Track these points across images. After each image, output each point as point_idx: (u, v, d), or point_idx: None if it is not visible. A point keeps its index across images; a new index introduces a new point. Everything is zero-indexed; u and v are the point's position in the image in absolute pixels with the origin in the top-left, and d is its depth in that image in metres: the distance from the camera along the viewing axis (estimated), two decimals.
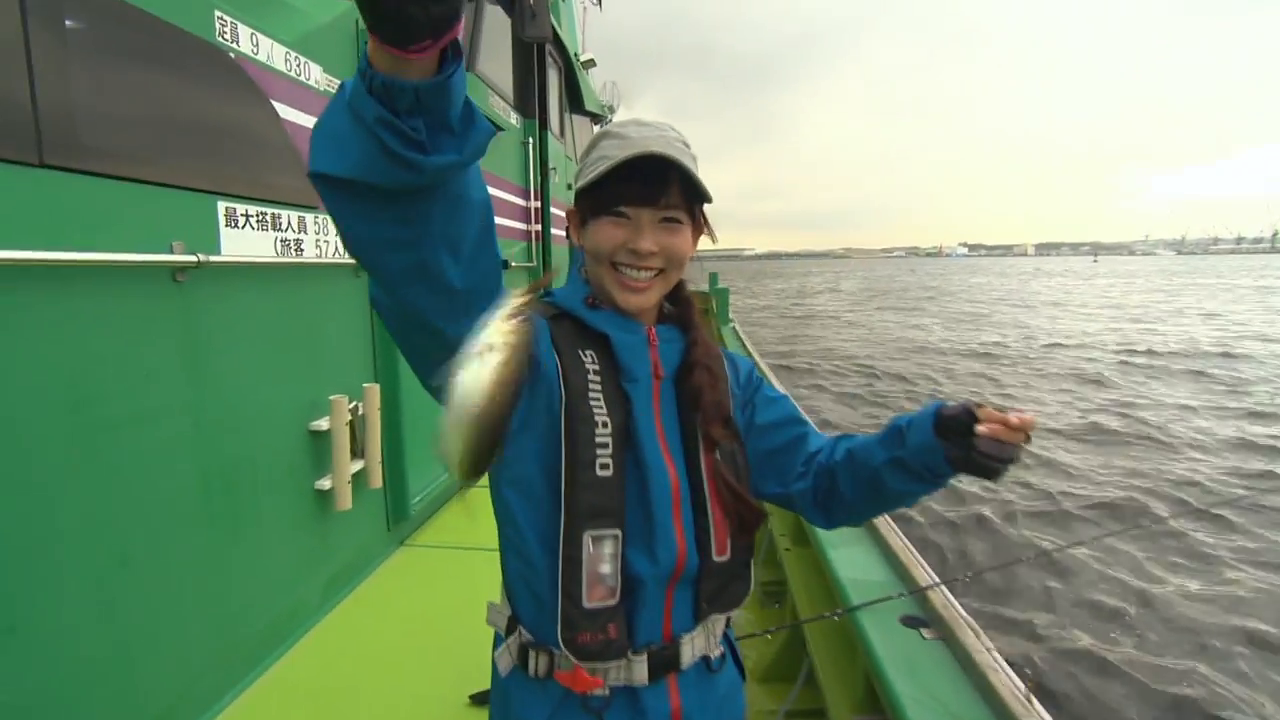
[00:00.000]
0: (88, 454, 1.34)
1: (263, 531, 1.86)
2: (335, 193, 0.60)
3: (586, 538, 0.81)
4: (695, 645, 0.90)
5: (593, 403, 0.84)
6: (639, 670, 0.85)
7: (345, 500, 2.12)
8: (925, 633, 1.59)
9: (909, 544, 2.04)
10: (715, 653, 0.93)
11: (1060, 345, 15.59)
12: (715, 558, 0.88)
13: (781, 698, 2.16)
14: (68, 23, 1.27)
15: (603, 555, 0.81)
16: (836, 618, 1.74)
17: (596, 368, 0.87)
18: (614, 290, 0.89)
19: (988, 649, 1.42)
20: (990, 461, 0.79)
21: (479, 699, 1.75)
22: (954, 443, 0.83)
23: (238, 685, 1.76)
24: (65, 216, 1.28)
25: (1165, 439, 7.64)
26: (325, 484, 2.09)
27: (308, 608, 2.07)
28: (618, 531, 0.83)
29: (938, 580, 1.75)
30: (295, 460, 2.00)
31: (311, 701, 1.77)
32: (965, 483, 6.03)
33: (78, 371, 1.32)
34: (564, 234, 5.25)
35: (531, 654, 0.87)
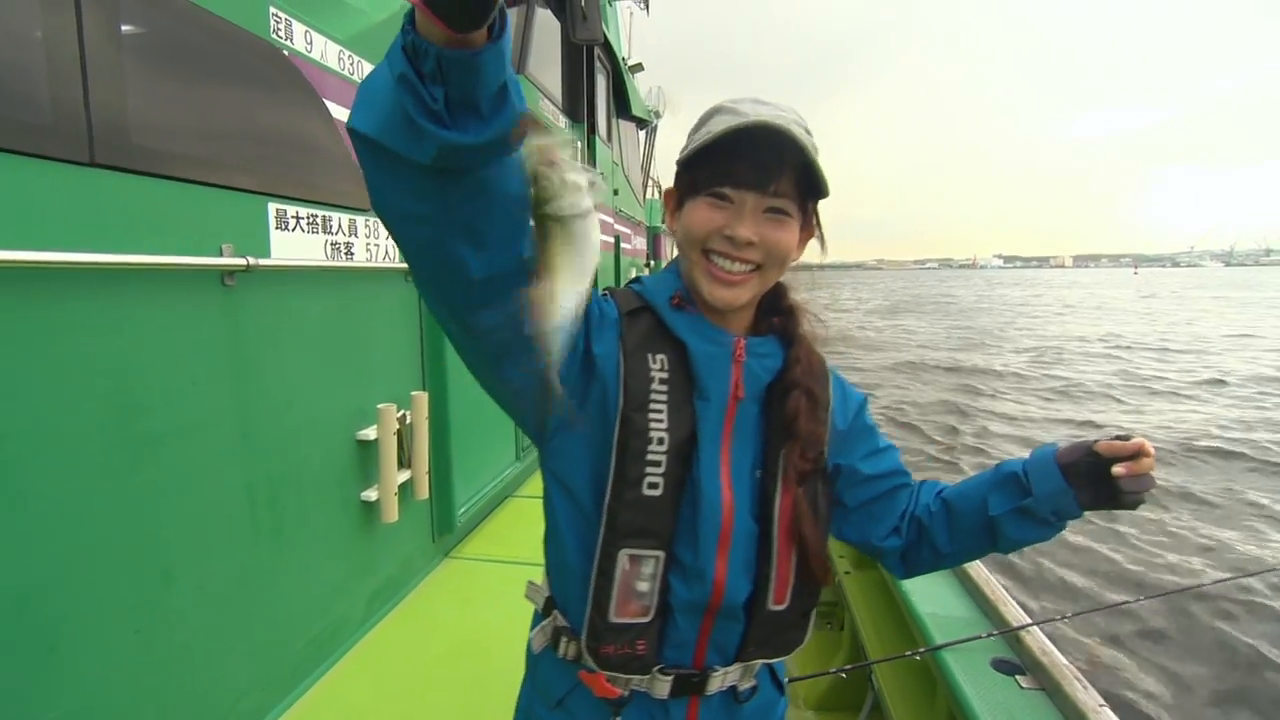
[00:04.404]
0: (132, 465, 1.29)
1: (308, 545, 1.80)
2: (364, 150, 0.58)
3: (623, 555, 0.78)
4: (727, 678, 0.85)
5: (651, 415, 0.78)
6: (660, 687, 0.82)
7: (392, 512, 2.05)
8: (1022, 681, 1.43)
9: (992, 576, 1.87)
10: (746, 685, 0.88)
11: None
12: (771, 606, 0.83)
13: None
14: (121, 17, 1.22)
15: (640, 574, 0.78)
16: (918, 658, 1.59)
17: (665, 375, 0.80)
18: (702, 281, 0.79)
19: (1100, 706, 1.25)
20: (1136, 496, 0.79)
21: None
22: (1082, 484, 0.81)
23: (279, 704, 1.69)
24: (115, 217, 1.23)
25: None
26: (371, 495, 2.02)
27: (351, 624, 2.00)
28: (660, 553, 0.79)
29: (1031, 620, 1.58)
30: (342, 471, 1.94)
31: None
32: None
33: (123, 379, 1.26)
34: (611, 240, 5.17)
35: (563, 639, 0.86)
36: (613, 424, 0.78)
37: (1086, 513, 0.84)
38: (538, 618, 0.92)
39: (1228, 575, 4.07)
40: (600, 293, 0.85)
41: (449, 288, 0.65)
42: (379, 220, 0.63)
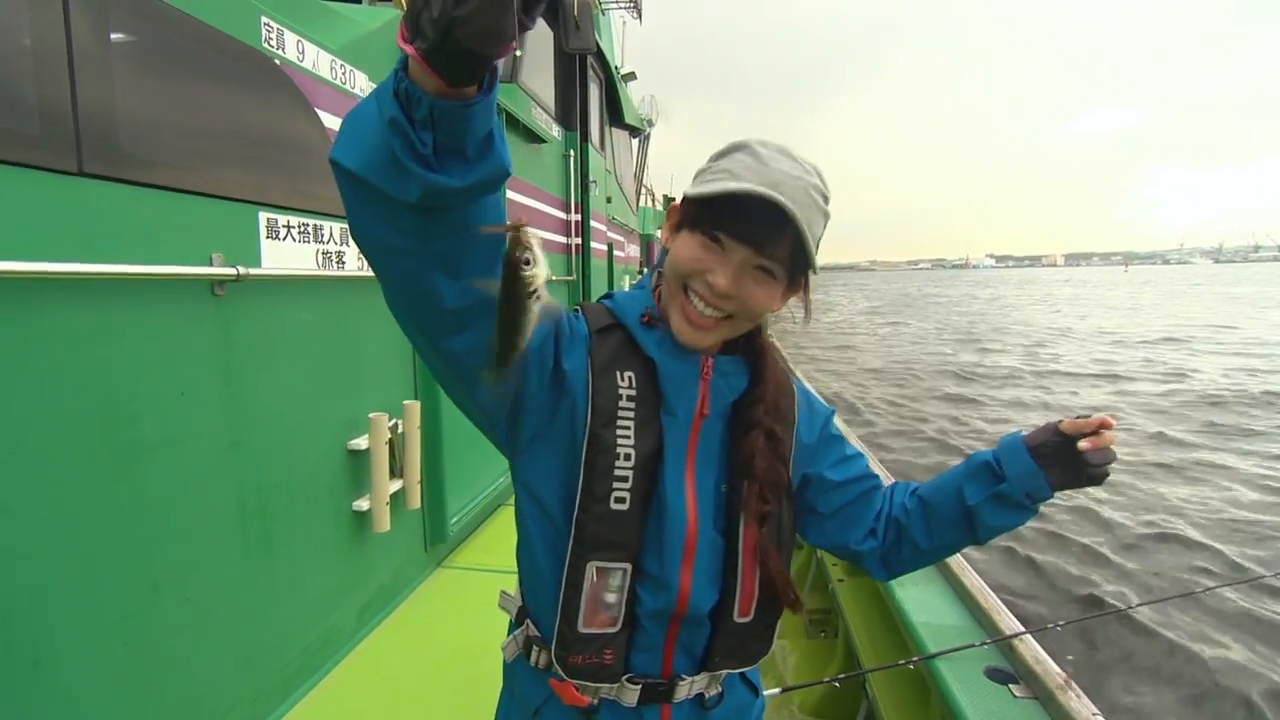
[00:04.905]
0: (120, 476, 1.28)
1: (299, 555, 1.78)
2: (347, 184, 0.60)
3: (591, 568, 0.79)
4: (694, 686, 0.87)
5: (619, 431, 0.80)
6: (629, 695, 0.84)
7: (383, 522, 2.04)
8: (1016, 690, 1.42)
9: (985, 584, 1.87)
10: (713, 692, 0.90)
11: None
12: (736, 618, 0.85)
13: None
14: (110, 25, 1.22)
15: (608, 585, 0.80)
16: (911, 666, 1.59)
17: (633, 392, 0.81)
18: (674, 315, 0.81)
19: (1094, 715, 1.25)
20: (1101, 470, 0.83)
21: None
22: (1051, 465, 0.85)
23: (271, 716, 1.68)
24: (103, 227, 1.23)
25: None
26: (363, 505, 2.01)
27: (342, 634, 1.99)
28: (627, 565, 0.80)
29: (1024, 628, 1.58)
30: (333, 481, 1.93)
31: None
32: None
33: (111, 389, 1.26)
34: (604, 248, 5.15)
35: (534, 648, 0.87)
36: (581, 440, 0.79)
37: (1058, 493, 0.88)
38: (511, 627, 0.94)
39: (1224, 581, 4.09)
40: (571, 309, 0.87)
41: (423, 315, 0.67)
42: (358, 248, 0.65)
